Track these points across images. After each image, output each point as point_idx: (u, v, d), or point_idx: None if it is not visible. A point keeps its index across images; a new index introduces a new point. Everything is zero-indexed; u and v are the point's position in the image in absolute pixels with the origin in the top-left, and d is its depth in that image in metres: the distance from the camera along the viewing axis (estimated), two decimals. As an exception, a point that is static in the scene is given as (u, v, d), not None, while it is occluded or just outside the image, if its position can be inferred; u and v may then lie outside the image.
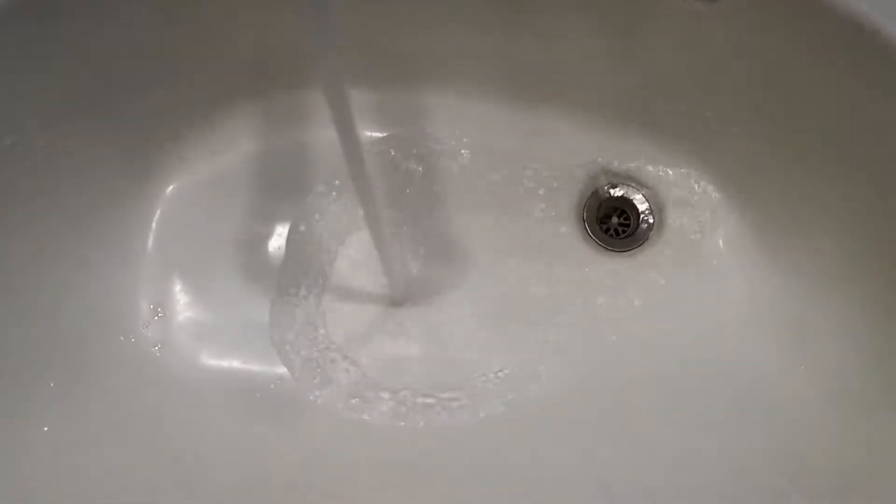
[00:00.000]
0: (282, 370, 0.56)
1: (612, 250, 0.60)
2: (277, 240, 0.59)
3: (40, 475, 0.47)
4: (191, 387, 0.54)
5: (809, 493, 0.48)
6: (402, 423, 0.55)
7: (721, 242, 0.59)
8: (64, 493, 0.47)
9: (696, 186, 0.59)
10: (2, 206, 0.48)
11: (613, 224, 0.61)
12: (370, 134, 0.60)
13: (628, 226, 0.61)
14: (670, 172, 0.60)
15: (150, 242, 0.57)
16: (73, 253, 0.52)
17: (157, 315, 0.56)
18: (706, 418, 0.54)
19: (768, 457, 0.51)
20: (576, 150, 0.61)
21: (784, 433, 0.52)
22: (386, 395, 0.56)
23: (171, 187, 0.58)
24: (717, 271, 0.58)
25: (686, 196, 0.60)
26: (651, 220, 0.60)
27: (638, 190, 0.61)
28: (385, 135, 0.60)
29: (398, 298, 0.58)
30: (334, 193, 0.60)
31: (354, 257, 0.59)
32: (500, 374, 0.57)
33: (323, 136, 0.61)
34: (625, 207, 0.61)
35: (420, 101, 0.60)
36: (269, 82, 0.59)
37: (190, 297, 0.57)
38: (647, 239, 0.60)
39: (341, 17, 0.42)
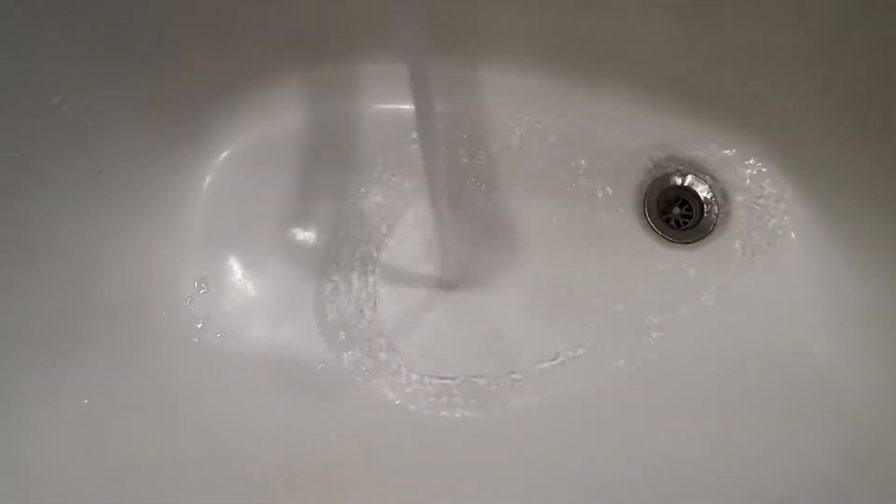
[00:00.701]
0: (326, 352, 0.54)
1: (674, 241, 0.57)
2: (326, 215, 0.57)
3: (76, 447, 0.45)
4: (233, 364, 0.52)
5: (878, 494, 0.45)
6: (444, 412, 0.53)
7: (790, 235, 0.56)
8: (100, 466, 0.45)
9: (766, 177, 0.56)
10: (44, 163, 0.46)
11: (675, 214, 0.59)
12: (427, 110, 0.58)
13: (690, 216, 0.58)
14: (739, 161, 0.57)
15: (198, 213, 0.54)
16: (117, 220, 0.50)
17: (202, 290, 0.54)
18: (772, 416, 0.51)
19: (837, 455, 0.48)
20: (639, 133, 0.58)
21: (854, 431, 0.49)
22: (429, 381, 0.54)
23: (223, 154, 0.55)
24: (784, 266, 0.55)
25: (754, 187, 0.57)
26: (716, 212, 0.57)
27: (702, 179, 0.58)
28: (442, 111, 0.58)
29: (449, 281, 0.55)
30: (385, 169, 0.57)
31: (405, 236, 0.56)
32: (550, 363, 0.54)
33: (374, 110, 0.59)
34: (687, 197, 0.59)
35: (479, 78, 0.57)
36: (322, 53, 0.56)
37: (235, 273, 0.55)
38: (711, 231, 0.57)
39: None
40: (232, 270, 0.55)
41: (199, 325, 0.53)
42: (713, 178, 0.58)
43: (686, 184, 0.58)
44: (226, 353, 0.52)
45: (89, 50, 0.45)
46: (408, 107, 0.57)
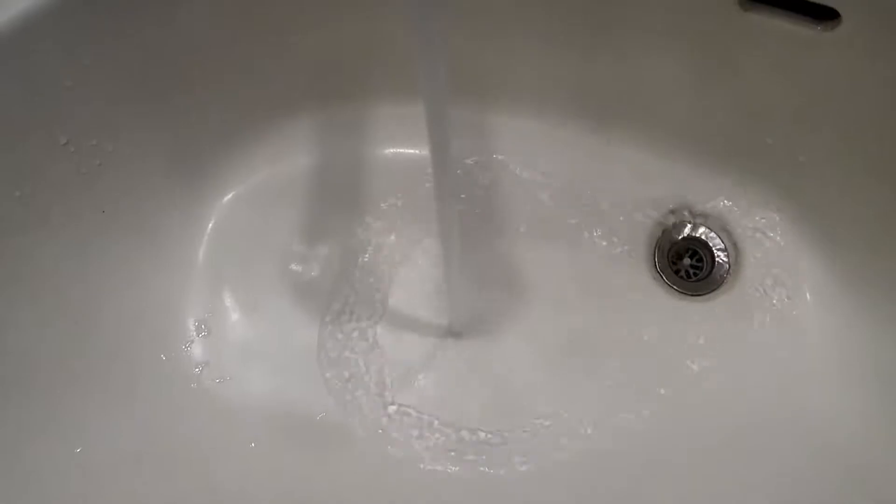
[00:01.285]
0: (328, 399, 0.52)
1: (684, 293, 0.56)
2: (332, 258, 0.55)
3: (69, 499, 0.43)
4: (232, 412, 0.50)
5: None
6: (448, 466, 0.52)
7: (803, 288, 0.55)
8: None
9: (777, 228, 0.56)
10: (47, 202, 0.45)
11: (685, 265, 0.58)
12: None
13: (701, 268, 0.58)
14: (750, 213, 0.56)
15: (202, 253, 0.53)
16: (119, 260, 0.49)
17: (202, 333, 0.52)
18: (787, 477, 0.49)
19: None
20: (650, 181, 0.58)
21: (875, 492, 0.47)
22: (433, 433, 0.52)
23: (228, 196, 0.54)
24: (797, 320, 0.54)
25: (766, 238, 0.56)
26: (727, 263, 0.57)
27: (713, 229, 0.57)
28: (455, 155, 0.57)
29: (457, 328, 0.54)
30: (394, 213, 0.57)
31: (412, 282, 0.55)
32: (555, 419, 0.53)
33: (384, 153, 0.58)
34: (698, 248, 0.58)
35: (492, 123, 0.57)
36: (332, 95, 0.56)
37: (237, 316, 0.53)
38: (723, 283, 0.56)
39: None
40: (234, 314, 0.53)
41: (198, 371, 0.51)
42: (724, 228, 0.57)
43: (697, 234, 0.58)
44: (225, 400, 0.51)
45: (99, 90, 0.45)
46: (417, 151, 0.58)
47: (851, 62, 0.44)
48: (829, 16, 0.43)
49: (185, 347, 0.52)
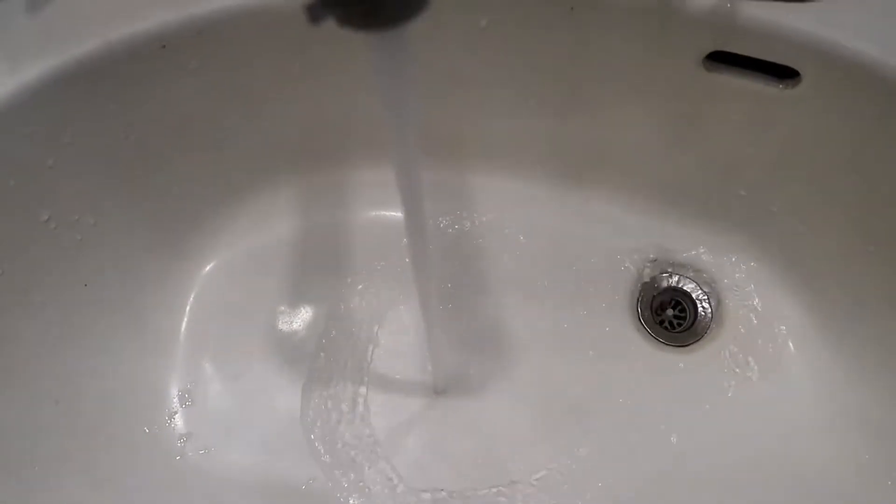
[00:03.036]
0: (313, 466, 0.51)
1: (668, 345, 0.56)
2: (314, 324, 0.55)
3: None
4: (216, 485, 0.49)
5: None
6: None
7: (784, 337, 0.55)
8: None
9: (757, 278, 0.56)
10: (28, 278, 0.45)
11: (668, 316, 0.58)
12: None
13: (684, 318, 0.58)
14: (730, 262, 0.57)
15: (184, 325, 0.53)
16: (100, 333, 0.49)
17: (185, 404, 0.52)
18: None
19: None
20: (628, 235, 0.58)
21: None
22: (422, 499, 0.51)
23: (209, 266, 0.55)
24: (782, 369, 0.54)
25: (747, 288, 0.56)
26: (710, 313, 0.57)
27: (695, 280, 0.58)
28: (432, 216, 0.58)
29: (441, 387, 0.54)
30: (375, 276, 0.57)
31: (393, 344, 0.55)
32: (542, 477, 0.52)
33: (364, 217, 0.59)
34: (680, 298, 0.58)
35: (468, 183, 0.58)
36: (310, 161, 0.57)
37: (220, 385, 0.53)
38: (706, 334, 0.57)
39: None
40: (216, 383, 0.53)
41: (182, 443, 0.50)
42: (704, 279, 0.58)
43: (678, 285, 0.58)
44: (209, 472, 0.50)
45: (80, 167, 0.45)
46: (397, 214, 0.58)
47: (814, 116, 0.46)
48: (789, 74, 0.44)
49: (169, 420, 0.51)
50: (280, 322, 0.55)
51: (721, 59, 0.45)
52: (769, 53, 0.43)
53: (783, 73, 0.44)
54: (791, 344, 0.55)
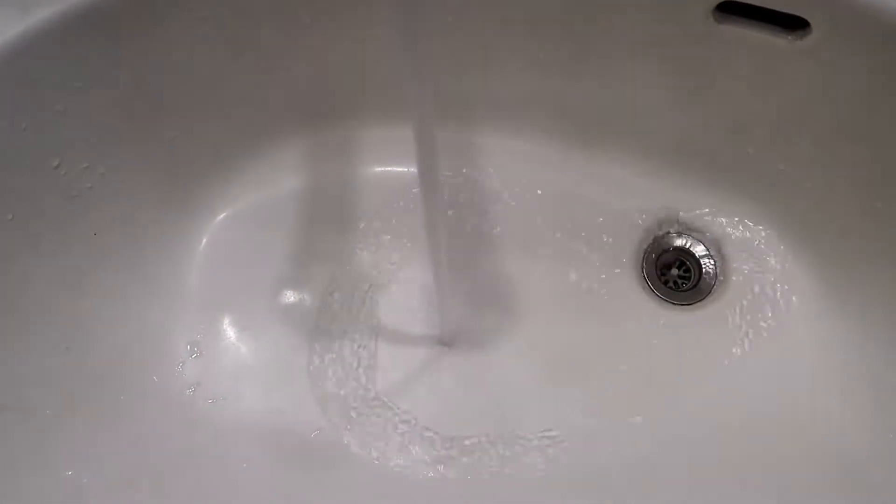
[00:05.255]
0: (321, 418, 0.52)
1: (673, 303, 0.57)
2: (323, 278, 0.56)
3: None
4: (225, 432, 0.50)
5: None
6: (445, 476, 0.51)
7: (789, 295, 0.55)
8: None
9: (762, 238, 0.57)
10: (39, 225, 0.45)
11: (673, 276, 0.58)
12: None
13: (689, 278, 0.58)
14: (735, 223, 0.57)
15: (193, 275, 0.54)
16: (110, 282, 0.49)
17: (194, 354, 0.52)
18: (777, 482, 0.49)
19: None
20: (635, 196, 0.58)
21: (862, 495, 0.47)
22: (427, 447, 0.52)
23: (219, 217, 0.55)
24: (784, 327, 0.55)
25: (752, 248, 0.57)
26: (714, 273, 0.57)
27: (700, 240, 0.58)
28: (442, 175, 0.58)
29: (447, 338, 0.54)
30: (384, 231, 0.57)
31: (401, 296, 0.56)
32: (546, 432, 0.53)
33: (374, 172, 0.59)
34: (685, 258, 0.59)
35: (478, 142, 0.58)
36: (320, 118, 0.57)
37: (229, 337, 0.53)
38: (710, 293, 0.57)
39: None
40: (225, 335, 0.53)
41: (191, 392, 0.51)
42: (710, 239, 0.58)
43: (684, 245, 0.58)
44: (217, 421, 0.50)
45: (90, 113, 0.46)
46: (406, 169, 0.58)
47: (823, 71, 0.46)
48: (798, 25, 0.44)
49: (178, 368, 0.51)
50: (288, 275, 0.55)
51: (730, 10, 0.45)
52: (778, 2, 0.43)
53: (792, 24, 0.44)
54: (795, 302, 0.55)
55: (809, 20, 0.43)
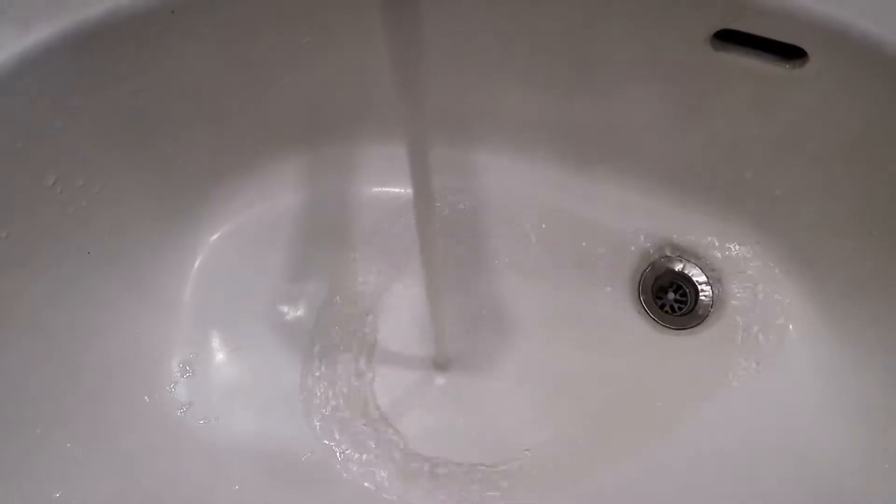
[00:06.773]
0: (314, 440, 0.51)
1: (669, 328, 0.57)
2: (318, 297, 0.56)
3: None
4: (216, 454, 0.49)
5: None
6: (433, 500, 0.51)
7: (785, 320, 0.55)
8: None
9: (759, 263, 0.57)
10: (33, 243, 0.45)
11: (669, 300, 0.58)
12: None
13: (685, 302, 0.58)
14: (731, 247, 0.57)
15: (187, 293, 0.53)
16: (104, 300, 0.49)
17: (186, 374, 0.52)
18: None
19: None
20: (632, 218, 0.58)
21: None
22: (421, 471, 0.51)
23: (215, 235, 0.55)
24: (780, 353, 0.55)
25: (748, 272, 0.57)
26: (710, 297, 0.57)
27: (696, 265, 0.58)
28: (439, 194, 0.58)
29: (442, 362, 0.54)
30: (380, 251, 0.57)
31: (395, 318, 0.56)
32: (540, 455, 0.52)
33: (371, 192, 0.59)
34: (682, 282, 0.58)
35: (476, 161, 0.58)
36: (318, 135, 0.57)
37: (222, 356, 0.53)
38: (707, 317, 0.57)
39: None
40: (219, 353, 0.53)
41: (182, 412, 0.50)
42: (707, 263, 0.58)
43: (680, 269, 0.58)
44: (209, 442, 0.50)
45: (87, 131, 0.45)
46: (404, 190, 0.58)
47: (820, 98, 0.46)
48: (796, 55, 0.44)
49: (170, 388, 0.51)
50: (284, 293, 0.55)
51: (729, 38, 0.46)
52: (777, 32, 0.43)
53: (791, 53, 0.45)
54: (792, 328, 0.55)
55: (807, 50, 0.43)
